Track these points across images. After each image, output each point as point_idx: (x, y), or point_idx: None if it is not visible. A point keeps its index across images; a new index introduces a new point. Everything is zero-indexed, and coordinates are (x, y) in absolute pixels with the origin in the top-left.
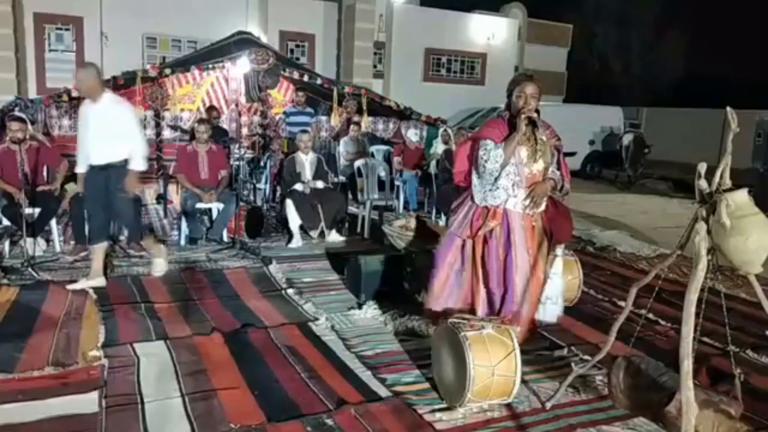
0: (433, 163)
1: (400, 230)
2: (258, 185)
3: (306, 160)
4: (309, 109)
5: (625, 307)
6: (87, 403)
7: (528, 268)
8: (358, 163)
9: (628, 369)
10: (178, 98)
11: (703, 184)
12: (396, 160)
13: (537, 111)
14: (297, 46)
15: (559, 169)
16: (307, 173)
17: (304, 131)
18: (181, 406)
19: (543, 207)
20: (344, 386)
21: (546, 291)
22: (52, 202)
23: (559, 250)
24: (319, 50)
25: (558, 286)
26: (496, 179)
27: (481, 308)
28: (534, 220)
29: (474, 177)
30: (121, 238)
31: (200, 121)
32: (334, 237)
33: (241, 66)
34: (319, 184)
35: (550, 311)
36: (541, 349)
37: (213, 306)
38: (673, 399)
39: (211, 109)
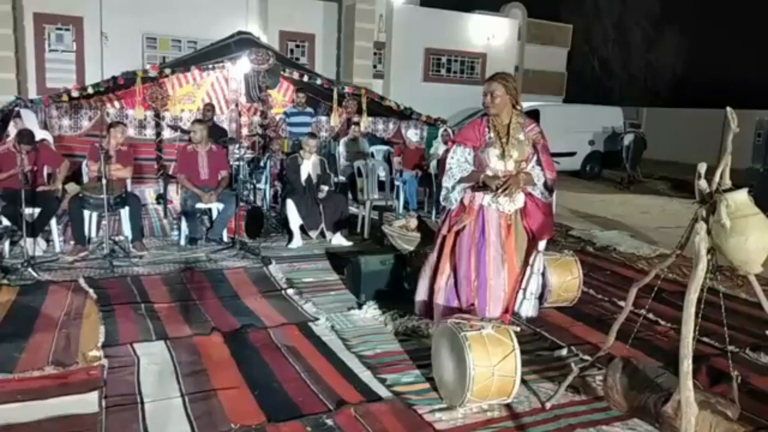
0: (433, 163)
1: (400, 230)
2: (258, 185)
3: (309, 163)
4: (309, 110)
5: (625, 307)
6: (87, 403)
7: (501, 263)
8: (358, 163)
9: (624, 370)
10: (178, 98)
11: (703, 184)
12: (396, 160)
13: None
14: (297, 46)
15: (540, 165)
16: (309, 175)
17: (312, 135)
18: (181, 406)
19: (520, 204)
20: (344, 386)
21: (529, 287)
22: (52, 202)
23: (541, 245)
24: (319, 50)
25: (536, 283)
26: (452, 189)
27: (441, 295)
28: (509, 218)
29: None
30: (121, 238)
31: (195, 121)
32: (339, 240)
33: (241, 66)
34: (324, 189)
35: (528, 306)
36: (541, 349)
37: (213, 306)
38: (670, 399)
39: (207, 106)
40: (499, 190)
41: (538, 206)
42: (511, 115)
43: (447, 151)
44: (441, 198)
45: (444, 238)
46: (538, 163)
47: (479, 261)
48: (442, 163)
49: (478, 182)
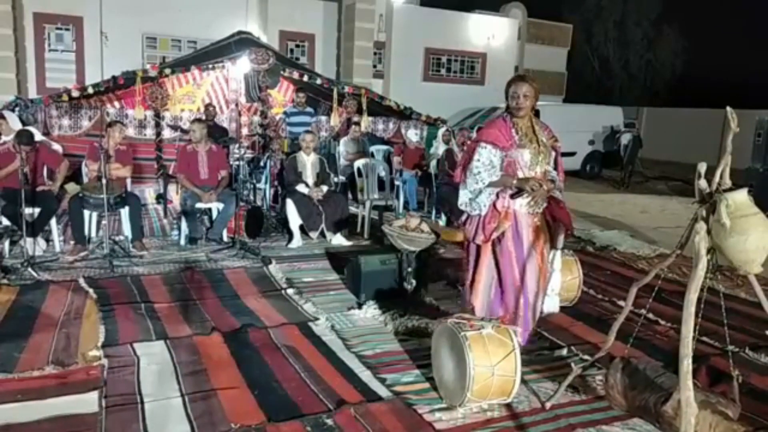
0: (433, 163)
1: (400, 230)
2: (258, 185)
3: (308, 161)
4: (309, 109)
5: (625, 306)
6: (87, 403)
7: (536, 265)
8: (358, 163)
9: (624, 370)
10: (178, 98)
11: (703, 184)
12: (396, 160)
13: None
14: (297, 45)
15: (555, 168)
16: (309, 174)
17: (309, 131)
18: (180, 406)
19: (544, 206)
20: (344, 386)
21: (550, 284)
22: (52, 202)
23: (560, 243)
24: (319, 50)
25: (558, 279)
26: (479, 193)
27: (479, 307)
28: (537, 219)
29: (466, 176)
30: (121, 237)
31: (194, 120)
32: (340, 240)
33: (241, 66)
34: (324, 189)
35: (550, 303)
36: (541, 349)
37: (213, 306)
38: (670, 399)
39: (208, 106)
40: (530, 201)
41: (558, 202)
42: (530, 118)
43: (469, 151)
44: (461, 203)
45: (479, 247)
46: (555, 168)
47: (519, 267)
48: (461, 163)
49: (510, 187)
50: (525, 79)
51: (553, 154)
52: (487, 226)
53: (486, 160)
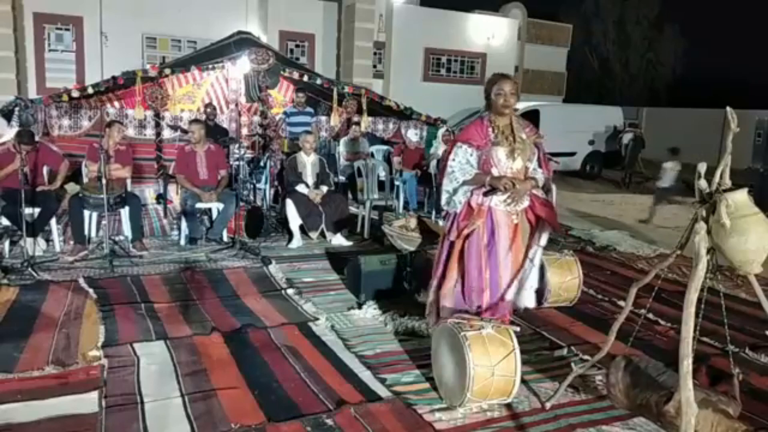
0: (433, 163)
1: (400, 230)
2: (258, 185)
3: (308, 162)
4: (309, 109)
5: (625, 306)
6: (87, 403)
7: (510, 264)
8: (358, 163)
9: (626, 368)
10: (178, 98)
11: (703, 184)
12: (396, 160)
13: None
14: (297, 45)
15: (540, 166)
16: (309, 174)
17: (309, 132)
18: (180, 406)
19: (525, 204)
20: (344, 386)
21: (529, 280)
22: (52, 202)
23: (543, 240)
24: (319, 50)
25: (535, 275)
26: (454, 192)
27: (448, 300)
28: (517, 218)
29: (444, 175)
30: (121, 237)
31: (192, 121)
32: (340, 240)
33: (241, 66)
34: (323, 190)
35: (526, 297)
36: (541, 349)
37: (213, 306)
38: (671, 398)
39: (208, 106)
40: (506, 199)
41: (541, 200)
42: (511, 115)
43: (447, 152)
44: (443, 202)
45: (452, 243)
46: (539, 164)
47: (489, 263)
48: (442, 164)
49: (484, 185)
50: (508, 76)
51: (536, 150)
52: (461, 222)
53: (462, 159)
